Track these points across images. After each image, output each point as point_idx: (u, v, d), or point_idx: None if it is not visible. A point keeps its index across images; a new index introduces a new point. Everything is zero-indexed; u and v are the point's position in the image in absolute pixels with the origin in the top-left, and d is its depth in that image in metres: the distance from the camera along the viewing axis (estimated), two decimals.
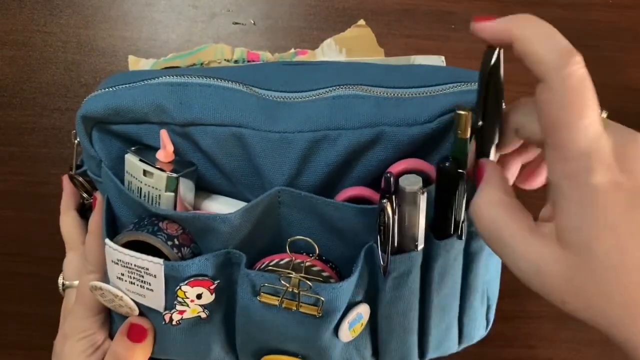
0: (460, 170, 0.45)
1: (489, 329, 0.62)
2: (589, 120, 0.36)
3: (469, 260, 0.53)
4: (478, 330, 0.59)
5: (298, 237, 0.49)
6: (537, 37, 0.37)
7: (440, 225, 0.49)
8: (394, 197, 0.46)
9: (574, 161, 0.36)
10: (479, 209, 0.41)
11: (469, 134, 0.44)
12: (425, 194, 0.46)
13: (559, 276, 0.37)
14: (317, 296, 0.48)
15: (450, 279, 0.53)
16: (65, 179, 0.60)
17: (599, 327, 0.37)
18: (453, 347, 0.59)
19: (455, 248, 0.51)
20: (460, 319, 0.57)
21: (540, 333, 0.76)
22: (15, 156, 0.71)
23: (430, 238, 0.49)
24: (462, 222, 0.48)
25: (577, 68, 0.36)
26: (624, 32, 0.74)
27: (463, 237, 0.49)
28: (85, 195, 0.58)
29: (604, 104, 0.72)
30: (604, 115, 0.43)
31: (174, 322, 0.51)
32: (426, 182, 0.47)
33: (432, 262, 0.50)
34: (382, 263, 0.48)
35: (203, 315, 0.52)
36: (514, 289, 0.75)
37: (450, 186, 0.46)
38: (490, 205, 0.40)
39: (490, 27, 0.39)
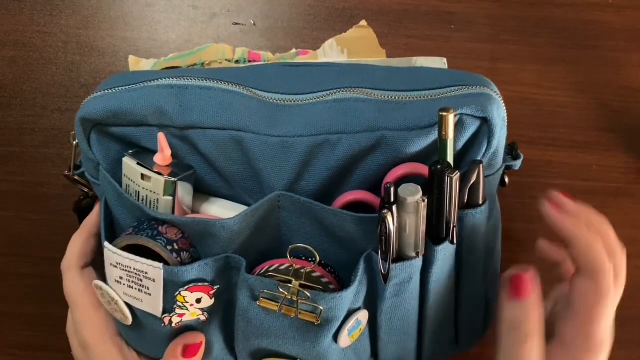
0: (448, 173, 0.45)
1: (487, 330, 0.62)
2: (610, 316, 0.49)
3: (460, 264, 0.53)
4: (475, 332, 0.59)
5: (298, 244, 0.49)
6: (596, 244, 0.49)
7: (435, 227, 0.49)
8: (394, 207, 0.46)
9: (591, 351, 0.48)
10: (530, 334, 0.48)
11: (452, 135, 0.45)
12: (426, 202, 0.46)
13: None
14: (316, 305, 0.48)
15: (446, 282, 0.53)
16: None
17: None
18: (450, 349, 0.59)
19: (449, 251, 0.51)
20: (456, 320, 0.57)
21: None
22: (15, 156, 0.71)
23: (427, 243, 0.49)
24: (453, 226, 0.48)
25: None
26: (623, 32, 0.73)
27: (454, 241, 0.49)
28: (85, 190, 0.58)
29: (604, 104, 0.72)
30: None
31: (173, 324, 0.51)
32: (425, 186, 0.47)
33: (429, 266, 0.50)
34: (382, 271, 0.48)
35: (202, 317, 0.52)
36: None
37: (441, 187, 0.46)
38: (535, 337, 0.48)
39: (561, 223, 0.51)
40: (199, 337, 0.53)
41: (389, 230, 0.46)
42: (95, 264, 0.56)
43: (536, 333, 0.48)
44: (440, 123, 0.45)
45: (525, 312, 0.48)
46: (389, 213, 0.45)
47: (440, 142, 0.46)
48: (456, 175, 0.46)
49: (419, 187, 0.46)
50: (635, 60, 0.74)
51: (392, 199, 0.45)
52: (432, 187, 0.47)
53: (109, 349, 0.54)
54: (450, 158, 0.46)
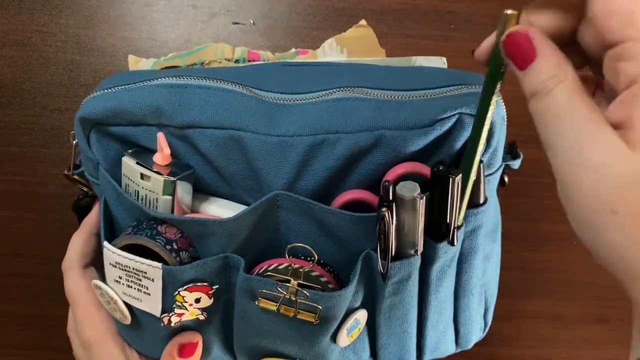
0: (451, 175, 0.45)
1: (487, 330, 0.62)
2: None
3: (461, 262, 0.53)
4: (475, 331, 0.59)
5: (297, 244, 0.49)
6: None
7: (437, 227, 0.48)
8: (393, 204, 0.46)
9: None
10: (553, 82, 0.34)
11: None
12: (424, 199, 0.46)
13: (621, 179, 0.31)
14: (315, 304, 0.48)
15: (447, 281, 0.53)
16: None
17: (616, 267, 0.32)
18: (450, 349, 0.59)
19: (452, 250, 0.51)
20: (456, 320, 0.57)
21: (539, 333, 0.76)
22: (15, 156, 0.71)
23: (427, 241, 0.49)
24: (454, 228, 0.48)
25: None
26: None
27: (455, 243, 0.49)
28: (85, 189, 0.58)
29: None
30: None
31: (172, 324, 0.51)
32: (425, 185, 0.47)
33: (430, 265, 0.50)
34: (381, 270, 0.48)
35: (201, 317, 0.52)
36: (513, 288, 0.75)
37: (444, 190, 0.46)
38: (567, 81, 0.34)
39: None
40: (196, 337, 0.53)
41: (388, 228, 0.46)
42: (96, 263, 0.56)
43: (564, 79, 0.34)
44: (502, 23, 0.39)
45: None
46: (388, 211, 0.45)
47: (495, 48, 0.40)
48: (459, 177, 0.46)
49: (417, 184, 0.46)
50: None
51: (390, 197, 0.45)
52: (435, 189, 0.46)
53: (111, 348, 0.54)
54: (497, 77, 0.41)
